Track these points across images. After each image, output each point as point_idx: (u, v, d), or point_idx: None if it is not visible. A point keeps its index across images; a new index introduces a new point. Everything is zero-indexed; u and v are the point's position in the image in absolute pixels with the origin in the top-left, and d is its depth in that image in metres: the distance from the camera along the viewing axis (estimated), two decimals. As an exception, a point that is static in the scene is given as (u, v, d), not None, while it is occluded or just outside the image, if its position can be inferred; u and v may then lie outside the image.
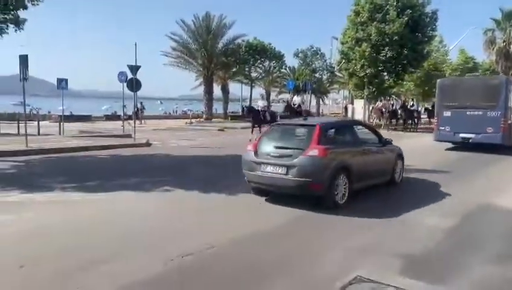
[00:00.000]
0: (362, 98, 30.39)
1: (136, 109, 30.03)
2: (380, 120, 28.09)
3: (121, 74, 18.80)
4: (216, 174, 10.27)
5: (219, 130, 24.72)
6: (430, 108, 33.12)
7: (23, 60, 13.45)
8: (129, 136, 17.93)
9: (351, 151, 7.38)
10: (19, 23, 13.05)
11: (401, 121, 28.07)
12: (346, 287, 3.96)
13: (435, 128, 16.45)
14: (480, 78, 20.35)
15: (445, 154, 14.57)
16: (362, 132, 8.52)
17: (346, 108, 35.91)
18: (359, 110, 31.70)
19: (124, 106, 27.91)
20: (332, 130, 7.67)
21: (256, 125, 18.84)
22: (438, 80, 17.08)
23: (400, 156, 9.11)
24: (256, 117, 19.16)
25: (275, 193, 7.28)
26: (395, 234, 5.69)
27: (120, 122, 22.64)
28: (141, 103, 32.08)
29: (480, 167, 12.03)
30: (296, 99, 21.46)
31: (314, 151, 6.63)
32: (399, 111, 27.73)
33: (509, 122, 14.66)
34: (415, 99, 38.38)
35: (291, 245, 5.17)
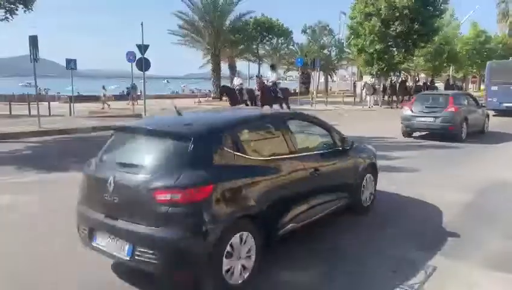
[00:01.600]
0: (371, 74, 30.01)
1: (128, 90, 29.56)
2: (372, 96, 27.06)
3: (130, 54, 18.69)
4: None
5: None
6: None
7: (33, 41, 13.44)
8: (139, 115, 18.02)
9: (469, 109, 12.84)
10: (27, 3, 12.99)
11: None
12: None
13: (484, 100, 19.90)
14: None
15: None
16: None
17: (355, 85, 35.68)
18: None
19: (103, 86, 27.92)
20: (459, 97, 13.07)
21: (234, 105, 17.13)
22: (488, 62, 22.83)
23: None
24: (233, 97, 17.52)
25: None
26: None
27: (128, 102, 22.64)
28: (133, 83, 28.61)
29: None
30: (271, 76, 18.33)
31: (452, 108, 11.94)
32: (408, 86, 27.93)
33: None
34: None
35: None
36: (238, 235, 3.39)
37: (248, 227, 3.51)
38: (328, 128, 5.02)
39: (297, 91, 33.05)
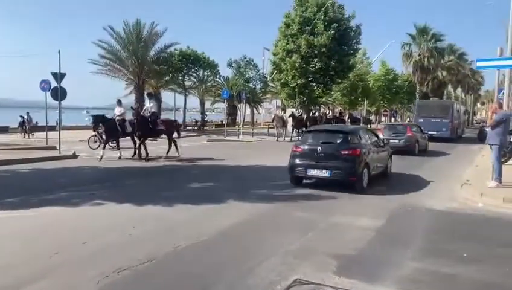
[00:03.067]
0: (294, 107, 31.39)
1: (22, 120, 27.21)
2: (281, 129, 26.26)
3: (44, 82, 17.50)
4: (151, 185, 9.99)
5: (151, 139, 24.02)
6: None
7: None
8: (53, 148, 16.78)
9: (420, 135, 19.11)
10: None
11: None
12: (286, 290, 4.03)
13: None
14: (438, 100, 37.13)
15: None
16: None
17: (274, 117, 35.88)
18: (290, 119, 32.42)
19: (27, 113, 26.28)
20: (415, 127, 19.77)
21: (112, 140, 15.42)
22: (416, 100, 36.06)
23: None
24: (111, 129, 14.96)
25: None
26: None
27: (42, 134, 21.01)
28: (27, 114, 27.48)
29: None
30: (149, 106, 15.62)
31: (409, 134, 17.78)
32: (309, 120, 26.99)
33: (455, 125, 27.26)
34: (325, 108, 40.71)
35: (232, 251, 5.16)
36: (365, 169, 9.43)
37: (366, 167, 9.50)
38: (378, 136, 11.72)
39: (224, 123, 33.31)
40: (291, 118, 26.77)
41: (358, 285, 4.21)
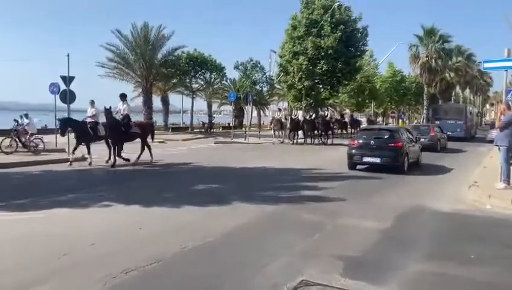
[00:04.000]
0: (301, 109, 31.35)
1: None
2: (280, 132, 25.40)
3: (53, 85, 17.75)
4: (158, 186, 10.06)
5: (159, 142, 24.17)
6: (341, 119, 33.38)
7: None
8: (63, 150, 16.96)
9: (441, 135, 22.13)
10: None
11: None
12: (292, 292, 4.05)
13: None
14: (453, 103, 42.26)
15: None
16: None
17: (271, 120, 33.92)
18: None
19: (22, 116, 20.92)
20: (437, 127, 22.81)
21: (83, 143, 13.82)
22: (431, 105, 37.23)
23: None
24: (82, 133, 13.65)
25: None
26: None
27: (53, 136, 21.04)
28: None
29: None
30: (122, 108, 14.31)
31: (433, 133, 20.95)
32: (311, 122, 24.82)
33: (468, 126, 30.13)
34: (329, 110, 38.48)
35: (239, 252, 5.19)
36: (406, 158, 12.82)
37: (406, 156, 12.85)
38: (412, 134, 14.71)
39: (231, 125, 33.37)
40: (288, 121, 24.90)
41: (364, 287, 4.22)
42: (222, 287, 4.22)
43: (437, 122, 27.62)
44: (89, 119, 14.02)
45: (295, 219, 7.04)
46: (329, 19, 28.83)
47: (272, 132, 25.93)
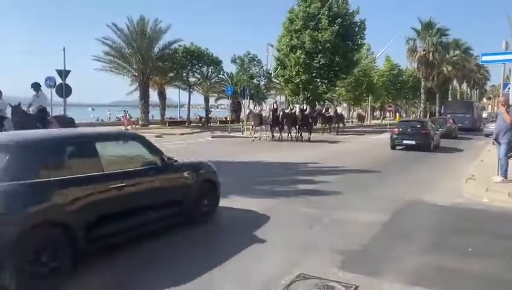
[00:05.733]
0: (298, 103, 31.32)
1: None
2: (258, 128, 23.02)
3: (49, 79, 17.57)
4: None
5: (156, 136, 24.09)
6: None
7: None
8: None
9: (454, 125, 27.72)
10: None
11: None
12: (290, 284, 4.05)
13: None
14: (462, 100, 49.78)
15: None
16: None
17: (248, 114, 29.56)
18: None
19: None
20: (452, 119, 28.12)
21: None
22: (445, 102, 44.65)
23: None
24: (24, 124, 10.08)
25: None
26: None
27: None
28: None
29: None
30: (35, 101, 11.69)
31: (448, 124, 26.08)
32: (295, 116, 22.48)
33: (475, 119, 35.88)
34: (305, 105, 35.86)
35: (236, 246, 5.17)
36: (432, 141, 18.49)
37: (432, 139, 18.32)
38: (434, 124, 21.54)
39: (228, 119, 33.29)
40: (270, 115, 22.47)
41: (362, 279, 4.20)
42: (220, 280, 4.20)
43: (449, 115, 31.27)
44: (34, 110, 11.45)
45: (293, 213, 7.02)
46: (326, 12, 28.77)
47: (250, 127, 23.53)
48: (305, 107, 26.02)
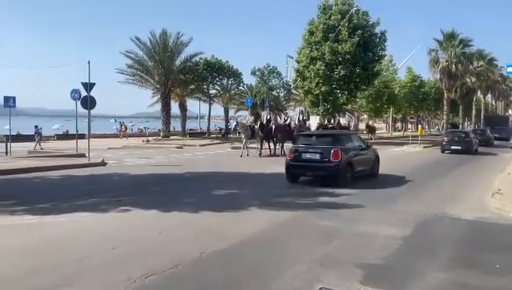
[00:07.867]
0: (318, 114, 31.18)
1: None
2: (248, 141, 20.44)
3: (74, 92, 18.17)
4: (176, 191, 10.13)
5: (177, 147, 24.43)
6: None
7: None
8: (83, 155, 17.30)
9: (491, 135, 33.86)
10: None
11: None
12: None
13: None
14: (500, 114, 63.84)
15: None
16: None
17: (236, 124, 26.73)
18: (314, 125, 30.84)
19: (35, 126, 24.88)
20: (489, 130, 35.38)
21: None
22: (485, 115, 56.24)
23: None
24: None
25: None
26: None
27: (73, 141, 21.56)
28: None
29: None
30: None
31: (486, 134, 32.60)
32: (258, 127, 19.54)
33: (509, 131, 39.19)
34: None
35: (256, 258, 5.17)
36: (474, 147, 23.05)
37: (474, 146, 23.09)
38: (473, 134, 25.40)
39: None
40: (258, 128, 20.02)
41: (385, 295, 4.14)
42: (241, 293, 4.21)
43: (487, 127, 37.20)
44: None
45: (313, 226, 6.98)
46: (346, 24, 28.74)
47: (242, 140, 20.73)
48: (289, 121, 22.84)
